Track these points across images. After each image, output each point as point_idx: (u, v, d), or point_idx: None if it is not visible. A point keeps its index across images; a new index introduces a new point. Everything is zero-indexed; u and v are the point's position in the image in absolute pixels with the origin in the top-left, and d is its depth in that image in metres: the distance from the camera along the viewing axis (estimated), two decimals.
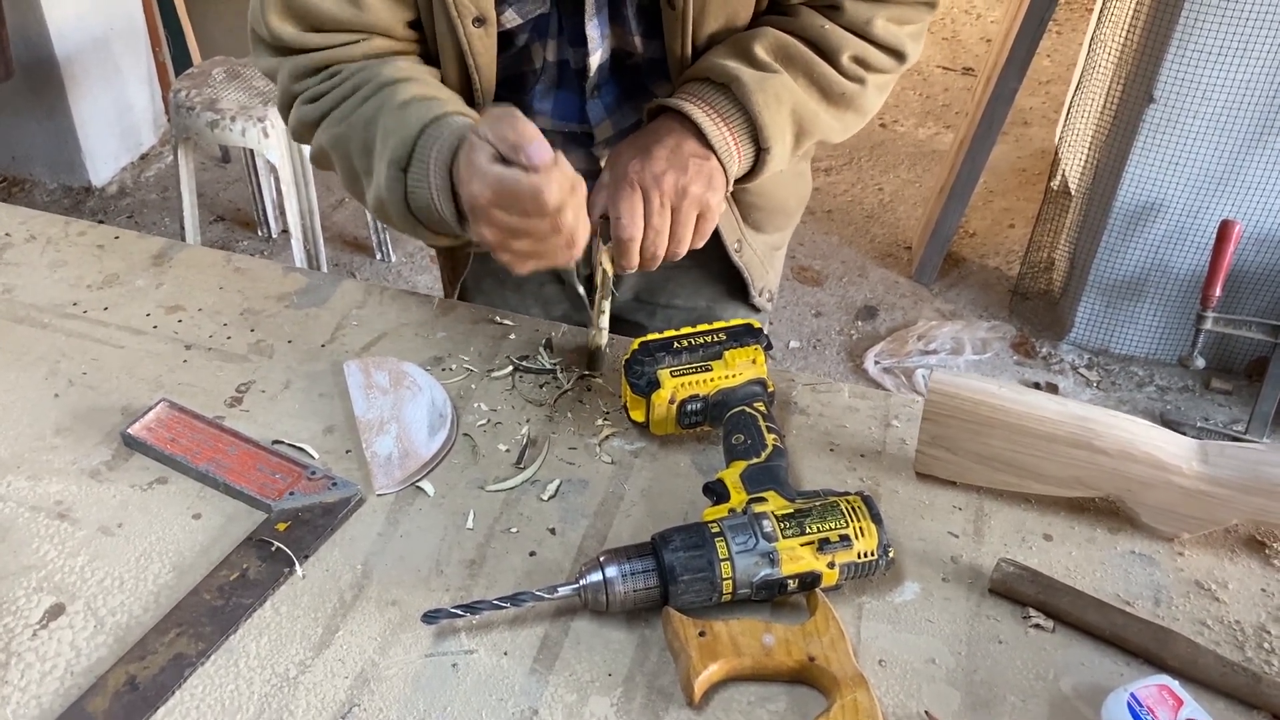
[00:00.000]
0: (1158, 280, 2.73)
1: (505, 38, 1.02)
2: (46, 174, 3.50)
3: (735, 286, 1.27)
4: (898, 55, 1.06)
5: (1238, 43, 2.34)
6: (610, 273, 1.02)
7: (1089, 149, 2.73)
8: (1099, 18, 2.73)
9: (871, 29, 1.02)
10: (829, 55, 1.03)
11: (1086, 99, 2.74)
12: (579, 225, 0.87)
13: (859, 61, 1.04)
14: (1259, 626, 0.87)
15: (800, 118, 1.03)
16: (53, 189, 3.49)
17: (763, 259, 1.26)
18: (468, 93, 1.04)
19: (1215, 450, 0.91)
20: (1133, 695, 0.76)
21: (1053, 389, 2.78)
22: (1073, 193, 2.83)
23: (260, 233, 3.28)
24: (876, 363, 2.85)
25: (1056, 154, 2.96)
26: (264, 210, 3.24)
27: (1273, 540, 0.94)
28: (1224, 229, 2.35)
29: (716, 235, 1.17)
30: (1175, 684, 0.77)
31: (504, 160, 0.84)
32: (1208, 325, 2.41)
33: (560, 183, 0.84)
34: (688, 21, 0.99)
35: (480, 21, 0.97)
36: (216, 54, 2.97)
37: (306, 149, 2.86)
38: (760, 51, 1.01)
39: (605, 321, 1.06)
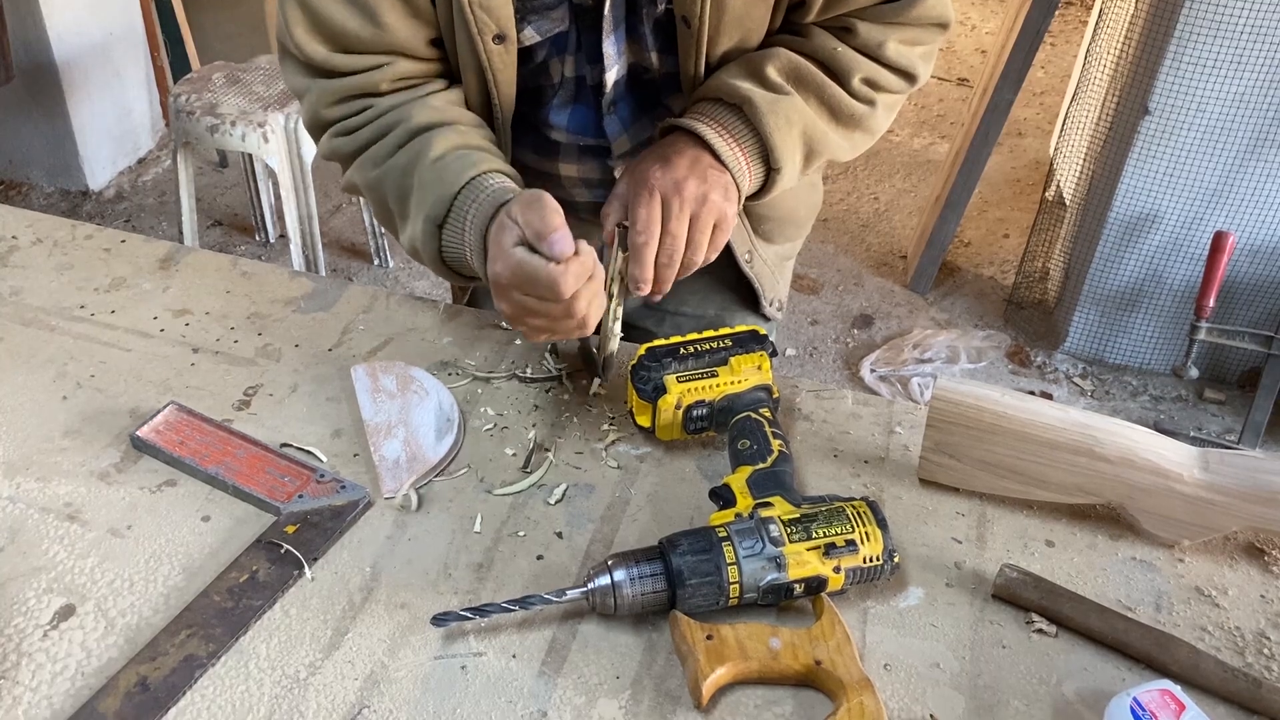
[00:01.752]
0: (1152, 291, 2.75)
1: (525, 54, 1.04)
2: (44, 177, 3.50)
3: (746, 296, 1.28)
4: (909, 77, 1.06)
5: (1232, 55, 2.36)
6: (624, 280, 1.02)
7: (1084, 160, 2.75)
8: (1094, 30, 2.76)
9: (884, 51, 1.03)
10: (840, 77, 1.03)
11: (1082, 110, 2.76)
12: (591, 310, 0.92)
13: (870, 83, 1.04)
14: (1259, 632, 0.88)
15: (810, 139, 1.04)
16: (50, 192, 3.49)
17: (773, 269, 1.27)
18: (487, 106, 1.06)
19: (1216, 458, 0.92)
20: (1135, 699, 0.77)
21: (1047, 398, 2.79)
22: (1068, 203, 2.84)
23: (258, 237, 3.28)
24: (872, 371, 2.86)
25: (1051, 165, 2.98)
26: (262, 215, 3.24)
27: (1272, 548, 0.95)
28: (1218, 240, 2.37)
29: (727, 246, 1.17)
30: (1177, 689, 0.78)
31: (529, 244, 0.88)
32: (1201, 336, 2.43)
33: (577, 273, 0.87)
34: (702, 40, 1.00)
35: (500, 39, 0.99)
36: (215, 60, 2.98)
37: (307, 154, 2.87)
38: (772, 73, 1.01)
39: (618, 328, 1.06)
